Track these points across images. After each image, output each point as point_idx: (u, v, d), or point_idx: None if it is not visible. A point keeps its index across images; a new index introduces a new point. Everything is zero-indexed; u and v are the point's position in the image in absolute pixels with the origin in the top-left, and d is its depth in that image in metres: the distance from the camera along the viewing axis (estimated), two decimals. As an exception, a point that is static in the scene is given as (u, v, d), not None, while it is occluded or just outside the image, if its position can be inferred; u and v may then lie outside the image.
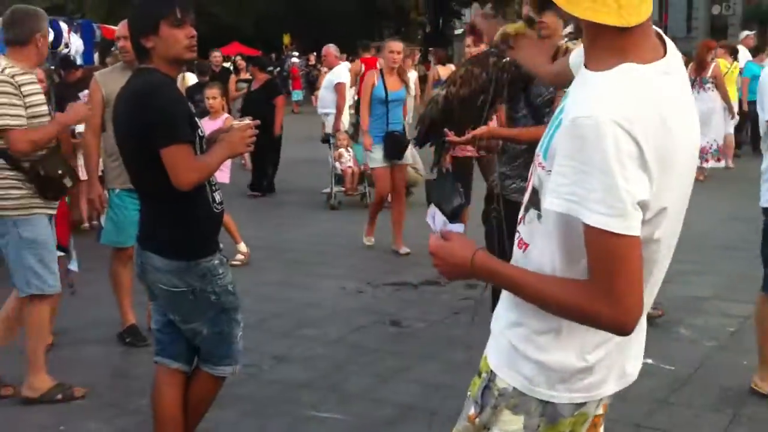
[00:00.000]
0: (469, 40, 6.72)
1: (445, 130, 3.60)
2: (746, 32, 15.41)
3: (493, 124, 4.02)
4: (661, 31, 1.70)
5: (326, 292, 6.22)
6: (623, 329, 1.60)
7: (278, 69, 26.79)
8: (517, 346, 1.77)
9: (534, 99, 3.69)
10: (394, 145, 7.34)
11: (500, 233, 3.73)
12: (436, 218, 1.91)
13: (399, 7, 38.08)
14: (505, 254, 3.68)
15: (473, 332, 5.11)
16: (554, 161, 1.60)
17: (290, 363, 4.78)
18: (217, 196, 3.23)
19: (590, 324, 1.64)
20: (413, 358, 4.81)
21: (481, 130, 3.63)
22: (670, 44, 1.67)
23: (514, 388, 1.78)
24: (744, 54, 13.37)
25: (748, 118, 12.65)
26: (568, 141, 1.56)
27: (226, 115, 7.58)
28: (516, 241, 1.84)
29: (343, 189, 9.94)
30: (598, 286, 1.57)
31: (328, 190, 10.17)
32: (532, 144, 3.54)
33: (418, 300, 6.03)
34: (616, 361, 1.77)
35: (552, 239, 1.68)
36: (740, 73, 12.51)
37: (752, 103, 12.29)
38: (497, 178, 3.79)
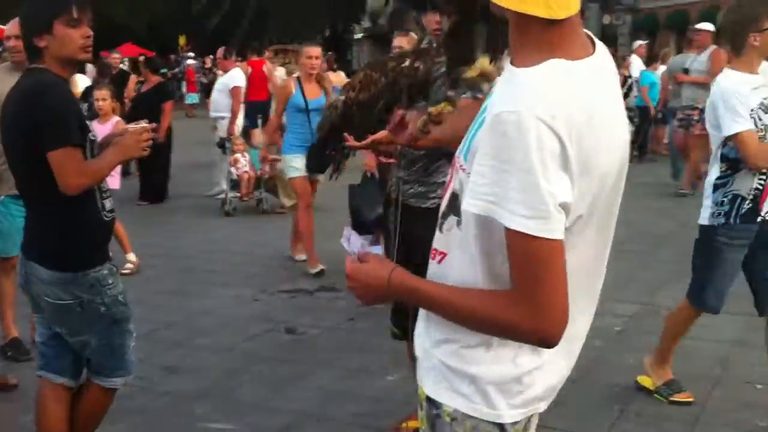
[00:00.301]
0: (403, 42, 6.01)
1: (345, 134, 3.59)
2: (639, 42, 15.95)
3: None
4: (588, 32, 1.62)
5: (220, 301, 6.12)
6: (547, 341, 1.49)
7: (174, 71, 26.29)
8: (448, 364, 1.64)
9: (433, 104, 3.71)
10: (318, 159, 7.08)
11: (395, 239, 3.74)
12: (351, 240, 1.81)
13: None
14: (402, 259, 3.70)
15: (369, 338, 5.17)
16: (474, 160, 1.50)
17: (182, 374, 4.68)
18: (108, 204, 3.12)
19: (513, 337, 1.54)
20: (308, 365, 4.77)
21: (381, 134, 3.64)
22: (599, 42, 1.59)
23: (461, 411, 1.63)
24: (637, 63, 13.87)
25: (648, 123, 13.18)
26: (490, 138, 1.46)
27: (116, 118, 7.36)
28: (430, 253, 1.73)
29: (238, 194, 9.81)
30: (520, 294, 1.47)
31: (221, 195, 10.03)
32: (431, 149, 3.60)
33: (313, 306, 5.99)
34: (549, 373, 1.64)
35: (472, 247, 1.58)
36: (636, 81, 13.00)
37: (643, 108, 12.81)
38: (395, 182, 3.80)
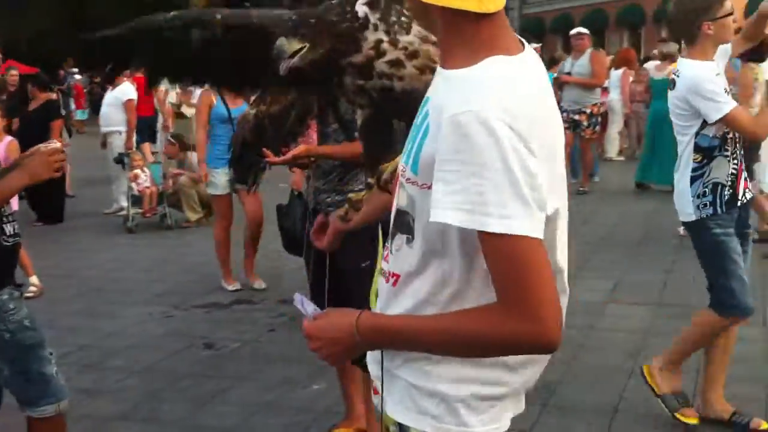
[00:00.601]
0: None
1: (264, 150, 3.55)
2: (533, 44, 16.34)
3: (313, 140, 4.01)
4: None
5: (132, 319, 5.95)
6: (549, 345, 1.39)
7: (61, 87, 25.45)
8: (415, 384, 1.53)
9: (344, 113, 3.71)
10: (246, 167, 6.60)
11: (314, 248, 3.72)
12: (304, 303, 1.67)
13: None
14: (321, 269, 3.68)
15: (291, 349, 5.13)
16: (434, 169, 1.40)
17: (100, 396, 4.53)
18: (9, 228, 2.98)
19: (513, 350, 1.45)
20: (230, 380, 4.70)
21: (300, 149, 3.62)
22: (522, 39, 1.55)
23: None
24: None
25: None
26: (450, 142, 1.37)
27: (9, 138, 7.09)
28: (383, 278, 1.63)
29: (141, 210, 9.56)
30: (509, 301, 1.38)
31: (122, 212, 9.78)
32: (346, 159, 3.60)
33: (230, 320, 5.91)
34: (515, 384, 1.57)
35: (433, 260, 1.49)
36: None
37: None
38: (311, 193, 3.79)
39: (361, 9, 1.81)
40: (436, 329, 1.45)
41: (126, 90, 10.55)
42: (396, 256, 1.58)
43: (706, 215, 3.68)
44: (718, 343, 3.85)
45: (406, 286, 1.54)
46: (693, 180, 3.71)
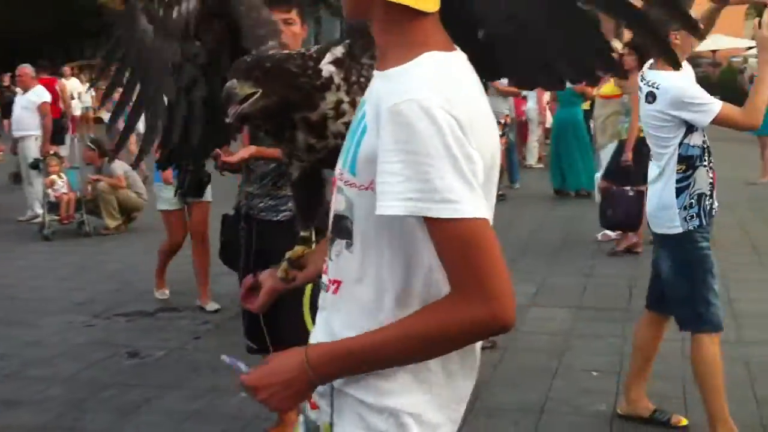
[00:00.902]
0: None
1: (217, 151, 3.49)
2: None
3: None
4: None
5: (52, 329, 5.79)
6: (506, 322, 1.38)
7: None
8: (364, 401, 1.48)
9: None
10: (192, 180, 5.81)
11: (247, 254, 3.71)
12: (236, 362, 1.59)
13: (106, 25, 36.42)
14: (251, 272, 3.66)
15: (218, 356, 5.04)
16: (374, 166, 1.39)
17: (20, 407, 4.39)
18: None
19: (474, 336, 1.43)
20: (156, 389, 4.62)
21: (251, 150, 3.60)
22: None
23: None
24: None
25: None
26: (391, 133, 1.36)
27: None
28: (323, 287, 1.59)
29: (57, 217, 9.31)
30: (463, 284, 1.36)
31: (37, 219, 9.51)
32: (281, 162, 3.58)
33: (154, 328, 5.80)
34: (461, 388, 1.56)
35: (373, 264, 1.46)
36: None
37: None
38: (243, 198, 3.77)
39: (327, 69, 1.74)
40: (392, 338, 1.40)
41: (40, 93, 10.29)
42: (336, 262, 1.54)
43: (693, 227, 3.60)
44: (645, 344, 3.96)
45: (348, 293, 1.51)
46: (679, 191, 3.63)
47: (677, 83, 3.60)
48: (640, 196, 7.28)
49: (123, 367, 5.02)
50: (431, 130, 1.33)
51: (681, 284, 3.67)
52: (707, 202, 3.63)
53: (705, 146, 3.66)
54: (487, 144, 1.44)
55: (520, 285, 6.48)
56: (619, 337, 5.17)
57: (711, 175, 3.67)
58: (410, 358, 1.43)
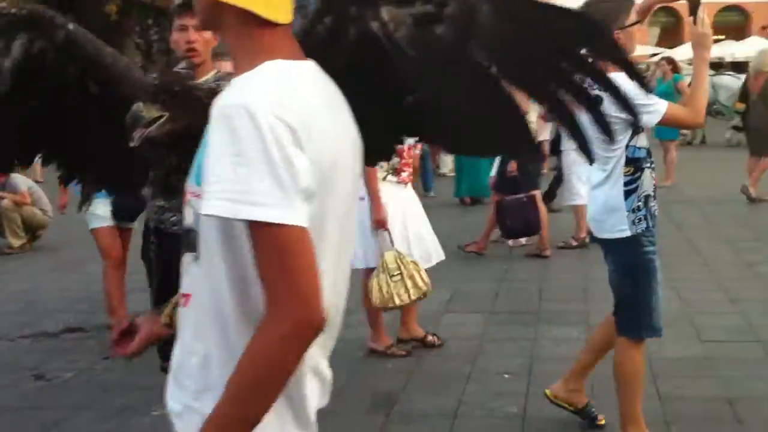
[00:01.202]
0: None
1: None
2: None
3: None
4: None
5: (-48, 353, 5.58)
6: (314, 324, 1.38)
7: None
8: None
9: None
10: (128, 205, 5.55)
11: (158, 268, 3.65)
12: None
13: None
14: (165, 291, 3.60)
15: (128, 375, 4.95)
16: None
17: None
18: None
19: (293, 347, 1.39)
20: (65, 410, 4.49)
21: None
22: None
23: None
24: None
25: None
26: (217, 134, 1.37)
27: None
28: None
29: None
30: (274, 293, 1.36)
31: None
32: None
33: (61, 349, 5.62)
34: (314, 393, 1.57)
35: (215, 273, 1.45)
36: None
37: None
38: (153, 212, 3.70)
39: None
40: (237, 382, 1.38)
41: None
42: (186, 276, 1.56)
43: (641, 230, 3.56)
44: (601, 340, 3.90)
45: (196, 304, 1.52)
46: (628, 194, 3.57)
47: (627, 86, 3.60)
48: (534, 201, 7.52)
49: (29, 390, 4.86)
50: (253, 133, 1.34)
51: (625, 288, 3.63)
52: (652, 204, 3.61)
53: (648, 148, 3.65)
54: (327, 150, 1.44)
55: (436, 292, 6.52)
56: (530, 340, 5.29)
57: (653, 176, 3.67)
58: (265, 389, 1.40)
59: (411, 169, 5.16)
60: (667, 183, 11.70)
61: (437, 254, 5.20)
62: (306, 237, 1.38)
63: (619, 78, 3.48)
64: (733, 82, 17.86)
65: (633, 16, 3.57)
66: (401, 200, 5.02)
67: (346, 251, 1.60)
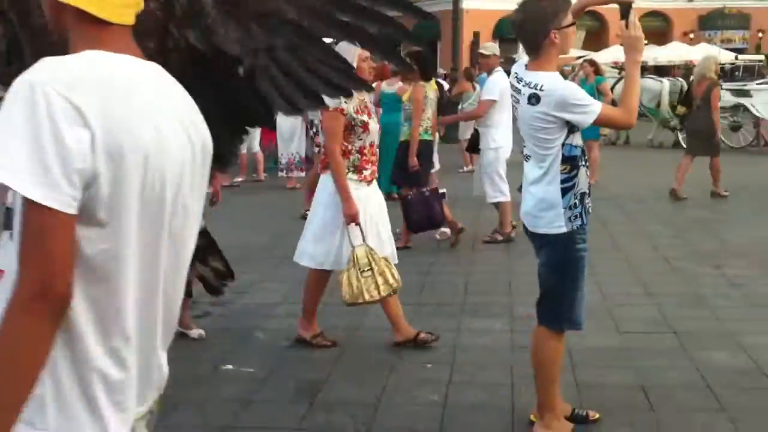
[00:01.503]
0: None
1: None
2: None
3: None
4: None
5: None
6: (51, 291, 1.36)
7: None
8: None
9: None
10: None
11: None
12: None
13: None
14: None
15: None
16: None
17: None
18: None
19: (37, 319, 1.36)
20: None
21: None
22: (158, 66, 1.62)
23: None
24: None
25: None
26: (4, 105, 1.37)
27: None
28: None
29: None
30: (21, 266, 1.36)
31: None
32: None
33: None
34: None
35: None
36: None
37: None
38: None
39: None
40: None
41: None
42: (2, 252, 1.59)
43: (576, 227, 3.63)
44: (552, 357, 3.81)
45: (7, 281, 1.48)
46: (564, 191, 3.62)
47: (558, 85, 3.62)
48: (437, 193, 7.63)
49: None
50: (26, 104, 1.34)
51: (552, 281, 3.70)
52: (587, 201, 3.69)
53: (583, 147, 3.72)
54: (137, 144, 1.43)
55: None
56: (453, 331, 5.35)
57: (588, 174, 3.74)
58: (13, 377, 1.36)
59: (374, 167, 5.05)
60: (591, 181, 11.88)
61: (392, 257, 5.11)
62: (65, 226, 1.36)
63: (558, 81, 3.58)
64: (655, 84, 18.39)
65: (570, 16, 3.62)
66: (362, 198, 4.89)
67: (175, 253, 1.58)
